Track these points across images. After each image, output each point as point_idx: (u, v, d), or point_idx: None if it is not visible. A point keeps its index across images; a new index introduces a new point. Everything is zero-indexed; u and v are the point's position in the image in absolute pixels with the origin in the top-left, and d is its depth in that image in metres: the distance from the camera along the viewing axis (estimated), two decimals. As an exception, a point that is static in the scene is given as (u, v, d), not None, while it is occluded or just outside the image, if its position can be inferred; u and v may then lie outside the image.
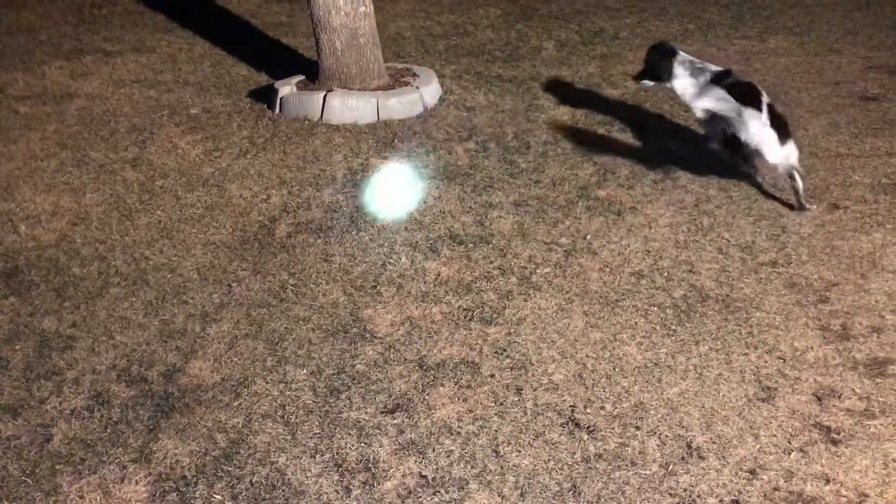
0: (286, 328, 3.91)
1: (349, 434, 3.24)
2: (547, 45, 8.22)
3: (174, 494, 2.98)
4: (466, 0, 10.21)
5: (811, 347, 3.63)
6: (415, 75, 6.70)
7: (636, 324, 3.85)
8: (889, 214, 4.64)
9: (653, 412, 3.30)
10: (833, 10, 8.95)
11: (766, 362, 3.55)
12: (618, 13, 9.26)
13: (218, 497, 2.97)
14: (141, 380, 3.58)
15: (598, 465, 3.06)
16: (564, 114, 6.37)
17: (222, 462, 3.12)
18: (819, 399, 3.33)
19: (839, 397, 3.34)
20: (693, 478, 2.99)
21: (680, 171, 5.23)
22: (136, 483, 3.03)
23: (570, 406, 3.35)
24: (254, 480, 3.03)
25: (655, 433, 3.20)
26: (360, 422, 3.31)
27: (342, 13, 6.25)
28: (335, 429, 3.27)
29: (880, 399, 3.31)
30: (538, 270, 4.30)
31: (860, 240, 4.42)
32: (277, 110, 6.42)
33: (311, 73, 6.66)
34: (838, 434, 3.15)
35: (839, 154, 5.47)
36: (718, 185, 5.10)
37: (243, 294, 4.19)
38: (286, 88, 6.46)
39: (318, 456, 3.14)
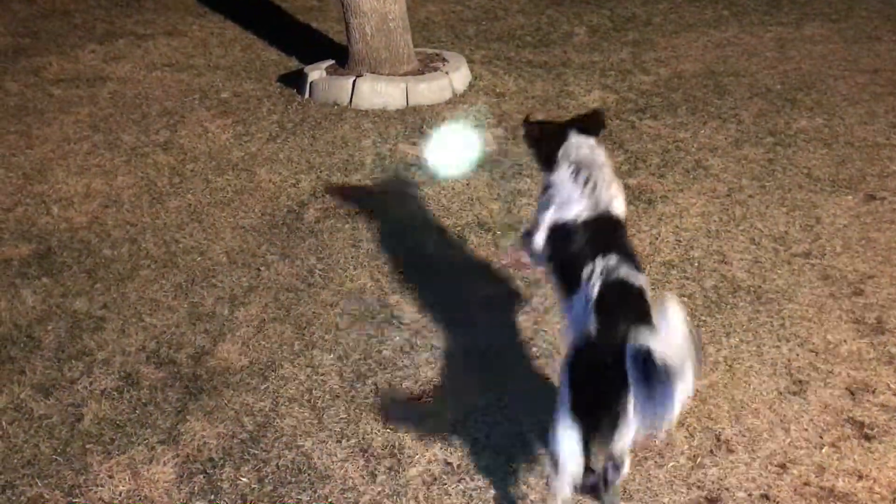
0: (314, 313, 3.91)
1: (375, 419, 3.25)
2: (578, 31, 8.14)
3: (201, 476, 3.01)
4: (497, -16, 10.14)
5: (844, 341, 3.57)
6: (444, 60, 6.67)
7: (666, 314, 3.80)
8: (927, 206, 4.55)
9: (681, 403, 3.26)
10: (873, -4, 8.76)
11: (798, 355, 3.50)
12: (651, -1, 9.13)
13: (244, 479, 2.99)
14: (170, 362, 3.60)
15: (625, 456, 3.03)
16: (595, 100, 6.30)
17: (249, 445, 3.14)
18: (852, 393, 3.27)
19: (873, 392, 3.28)
20: (722, 471, 2.96)
21: (713, 159, 5.16)
22: (164, 464, 3.05)
23: (598, 396, 3.32)
24: (280, 464, 3.05)
25: (684, 425, 3.16)
26: (387, 407, 3.31)
27: (372, -2, 6.23)
28: (361, 414, 3.28)
29: (916, 395, 3.25)
30: (567, 258, 4.26)
31: (897, 232, 4.34)
32: (307, 95, 6.42)
33: (341, 58, 6.64)
34: (872, 430, 3.10)
35: (877, 144, 5.35)
36: (752, 174, 5.02)
37: (272, 278, 4.20)
38: (316, 73, 6.46)
39: (343, 441, 3.15)
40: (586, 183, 2.75)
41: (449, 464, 3.03)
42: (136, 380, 3.49)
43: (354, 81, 6.23)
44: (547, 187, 2.86)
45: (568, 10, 8.86)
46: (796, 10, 8.45)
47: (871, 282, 3.95)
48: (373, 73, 6.35)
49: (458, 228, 4.58)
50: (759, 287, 3.96)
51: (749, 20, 8.19)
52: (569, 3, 9.12)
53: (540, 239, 2.82)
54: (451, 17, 8.80)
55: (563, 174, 2.80)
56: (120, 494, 2.95)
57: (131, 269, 4.31)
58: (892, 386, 3.30)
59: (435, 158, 4.70)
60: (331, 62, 6.64)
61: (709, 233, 4.43)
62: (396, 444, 3.12)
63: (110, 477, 3.01)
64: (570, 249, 2.68)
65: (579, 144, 2.84)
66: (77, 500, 2.93)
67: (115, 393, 3.42)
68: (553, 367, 3.37)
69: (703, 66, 6.92)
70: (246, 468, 3.04)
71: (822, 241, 4.30)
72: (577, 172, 2.77)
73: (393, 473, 3.00)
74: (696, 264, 4.17)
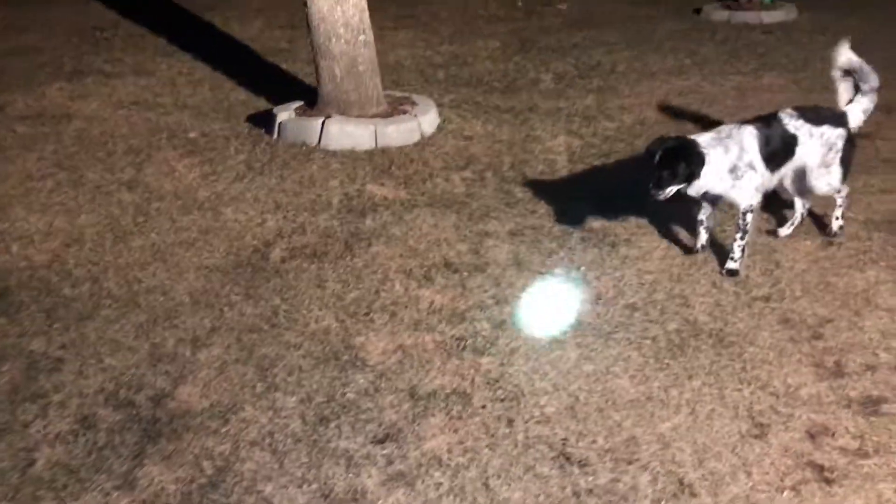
0: (277, 354, 3.88)
1: (337, 464, 3.20)
2: (544, 78, 8.28)
3: (158, 522, 2.94)
4: (466, 31, 10.31)
5: (804, 384, 3.61)
6: (413, 103, 6.74)
7: (629, 357, 3.83)
8: (883, 252, 4.64)
9: (645, 447, 3.27)
10: (828, 48, 9.01)
11: (759, 398, 3.53)
12: (614, 47, 9.34)
13: (203, 525, 2.92)
14: (128, 404, 3.54)
15: (588, 501, 3.02)
16: (561, 145, 6.40)
17: (208, 490, 3.07)
18: (812, 437, 3.31)
19: (832, 435, 3.31)
20: (685, 515, 2.96)
21: (675, 205, 5.23)
22: (120, 510, 2.98)
23: (562, 439, 3.32)
24: (239, 509, 2.99)
25: (647, 468, 3.16)
26: (348, 451, 3.27)
27: (342, 41, 6.29)
28: (323, 458, 3.23)
29: (874, 438, 3.29)
30: (533, 301, 4.28)
31: (854, 276, 4.42)
32: (276, 135, 6.44)
33: (310, 99, 6.69)
34: (832, 473, 3.12)
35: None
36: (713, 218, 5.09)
37: (235, 319, 4.16)
38: (284, 114, 6.48)
39: (305, 486, 3.10)
40: None
41: (412, 509, 2.99)
42: (92, 422, 3.42)
43: (323, 122, 6.26)
44: None
45: (535, 57, 9.02)
46: (755, 60, 8.68)
47: (829, 326, 4.02)
48: (342, 114, 6.39)
49: (425, 269, 4.59)
50: (721, 330, 4.01)
51: (710, 69, 8.40)
52: (536, 51, 9.29)
53: None
54: (420, 62, 8.91)
55: None
56: (73, 541, 2.87)
57: (92, 308, 4.25)
58: (850, 429, 3.34)
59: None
60: (300, 103, 6.68)
61: (671, 276, 4.48)
62: (359, 489, 3.08)
63: (63, 523, 2.93)
64: None
65: None
66: (27, 548, 2.84)
67: (69, 436, 3.34)
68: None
69: (666, 113, 7.06)
70: (204, 514, 2.97)
71: (782, 285, 4.37)
72: None
73: (355, 518, 2.96)
74: (660, 307, 4.21)
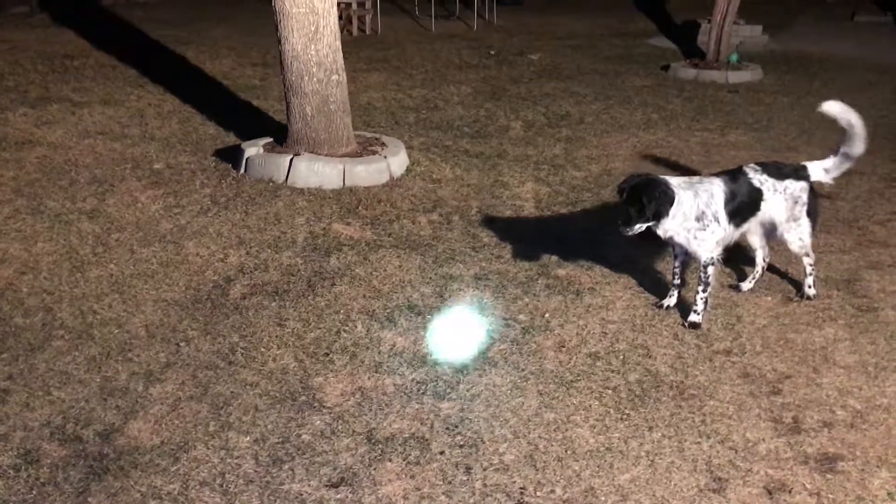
0: (232, 392, 3.79)
1: (290, 507, 3.12)
2: (514, 125, 8.38)
3: (99, 564, 2.82)
4: (438, 77, 10.44)
5: (763, 439, 3.61)
6: (383, 145, 6.75)
7: (590, 406, 3.80)
8: (841, 310, 4.70)
9: (603, 498, 3.23)
10: (792, 109, 9.29)
11: (718, 452, 3.52)
12: (584, 99, 9.50)
13: (145, 569, 2.81)
14: (75, 439, 3.42)
15: (545, 552, 2.97)
16: (528, 191, 6.44)
17: (153, 531, 2.97)
18: (770, 493, 3.29)
19: (790, 492, 3.30)
20: (641, 569, 2.91)
21: (640, 255, 5.28)
22: (59, 550, 2.86)
23: (520, 488, 3.27)
24: (185, 552, 2.89)
25: (605, 520, 3.12)
26: (301, 494, 3.18)
27: (315, 80, 6.31)
28: (275, 501, 3.14)
29: (830, 496, 3.28)
30: (495, 346, 4.26)
31: (813, 333, 4.46)
32: (242, 170, 6.39)
33: (280, 136, 6.67)
34: (788, 530, 3.10)
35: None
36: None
37: (191, 354, 4.07)
38: (253, 149, 6.45)
39: (255, 529, 3.00)
40: None
41: (364, 556, 2.91)
42: (35, 457, 3.29)
43: (292, 159, 6.24)
44: None
45: (505, 104, 9.14)
46: (721, 118, 8.88)
47: (788, 381, 4.04)
48: (311, 152, 6.37)
49: (388, 311, 4.54)
50: (682, 382, 4.01)
51: (677, 124, 8.56)
52: (507, 99, 9.41)
53: None
54: (392, 104, 8.97)
55: None
56: (6, 582, 2.74)
57: (43, 339, 4.13)
58: (807, 486, 3.33)
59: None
60: (269, 139, 6.66)
61: (634, 326, 4.49)
62: (310, 533, 2.99)
63: (-3, 563, 2.80)
64: None
65: None
66: (-43, 588, 2.71)
67: (10, 471, 3.21)
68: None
69: (632, 165, 7.16)
70: (147, 556, 2.86)
71: (743, 339, 4.40)
72: None
73: (305, 565, 2.86)
74: (622, 357, 4.20)
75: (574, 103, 9.20)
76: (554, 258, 5.23)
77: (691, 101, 9.49)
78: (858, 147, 4.65)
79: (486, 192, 6.42)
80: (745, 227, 4.62)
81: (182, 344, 4.16)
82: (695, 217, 4.36)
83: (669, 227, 4.37)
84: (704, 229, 4.38)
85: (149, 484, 3.19)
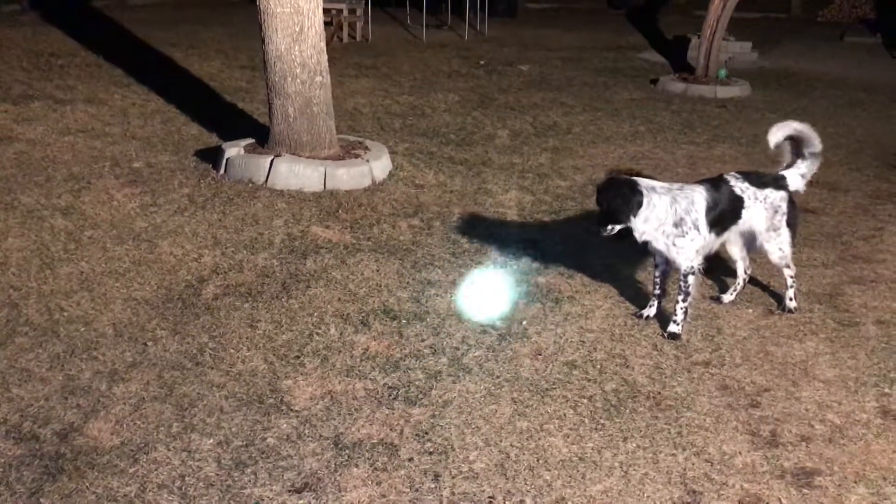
0: (198, 393, 3.69)
1: (250, 512, 3.02)
2: (501, 134, 8.32)
3: (47, 567, 2.72)
4: (426, 84, 10.39)
5: (739, 452, 3.53)
6: (366, 149, 6.68)
7: (564, 415, 3.72)
8: (822, 324, 4.64)
9: (574, 509, 3.15)
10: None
11: (693, 464, 3.44)
12: (572, 109, 9.46)
13: (96, 573, 2.71)
14: (32, 437, 3.31)
15: (511, 563, 2.88)
16: (512, 199, 6.37)
17: (106, 534, 2.86)
18: (745, 507, 3.22)
19: (765, 506, 3.22)
20: (610, 583, 2.82)
21: (621, 265, 5.21)
22: (6, 551, 2.75)
23: (489, 497, 3.18)
24: (138, 556, 2.78)
25: (575, 532, 3.03)
26: (263, 500, 3.08)
27: (298, 81, 6.23)
28: (236, 505, 3.05)
29: (806, 511, 3.21)
30: (470, 352, 4.17)
31: (793, 347, 4.40)
32: (222, 171, 6.31)
33: (263, 138, 6.59)
34: (762, 545, 3.02)
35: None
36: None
37: (158, 354, 3.97)
38: (233, 150, 6.37)
39: (212, 534, 2.90)
40: None
41: (324, 564, 2.81)
42: (-11, 455, 3.19)
43: (272, 161, 6.16)
44: None
45: (493, 113, 9.09)
46: (708, 132, 8.85)
47: (767, 394, 3.97)
48: (293, 154, 6.29)
49: (363, 315, 4.46)
50: (659, 393, 3.93)
51: (664, 137, 8.53)
52: (494, 108, 9.36)
53: None
54: (378, 110, 8.91)
55: None
56: (-51, 584, 2.63)
57: (7, 335, 4.03)
58: (783, 501, 3.26)
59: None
60: (250, 141, 6.58)
61: (612, 336, 4.41)
62: (269, 539, 2.90)
63: (-59, 564, 2.69)
64: None
65: None
66: None
67: (-38, 469, 3.11)
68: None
69: (611, 173, 7.10)
70: (98, 559, 2.76)
71: (723, 351, 4.33)
72: None
73: (262, 572, 2.76)
74: (599, 366, 4.12)
75: (562, 114, 9.16)
76: (535, 265, 5.16)
77: (679, 115, 9.46)
78: (816, 143, 4.68)
79: (469, 198, 6.35)
80: (726, 235, 4.57)
81: (149, 343, 4.06)
82: (672, 223, 4.30)
83: (645, 231, 4.31)
84: (683, 236, 4.32)
85: (105, 485, 3.08)
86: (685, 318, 4.42)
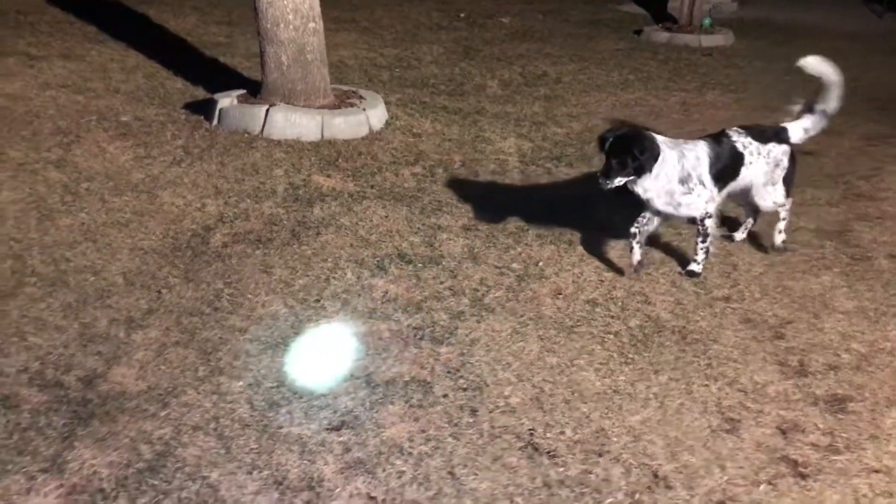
0: (220, 338, 3.60)
1: (290, 451, 2.95)
2: (491, 84, 8.20)
3: (89, 510, 2.63)
4: (408, 37, 10.19)
5: (771, 382, 3.54)
6: (361, 97, 6.54)
7: (593, 350, 3.69)
8: (836, 259, 4.66)
9: (615, 439, 3.13)
10: (765, 72, 9.26)
11: (727, 394, 3.43)
12: (559, 60, 9.35)
13: (139, 514, 2.63)
14: (56, 384, 3.20)
15: (560, 492, 2.85)
16: (511, 146, 6.29)
17: (147, 475, 2.78)
18: (784, 433, 3.22)
19: (803, 432, 3.23)
20: (660, 508, 2.82)
21: (631, 209, 5.16)
22: (46, 495, 2.66)
23: (529, 430, 3.15)
24: (182, 496, 2.71)
25: (619, 461, 3.02)
26: (302, 438, 3.02)
27: (291, 27, 6.06)
28: (275, 444, 2.97)
29: (843, 435, 3.22)
30: (490, 293, 4.12)
31: (809, 281, 4.41)
32: (216, 122, 6.13)
33: (251, 90, 6.41)
34: (805, 468, 3.03)
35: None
36: (667, 221, 5.04)
37: (173, 301, 3.86)
38: (226, 100, 6.19)
39: (255, 472, 2.83)
40: None
41: (373, 498, 2.76)
42: (14, 403, 3.08)
43: (268, 110, 6.00)
44: None
45: (480, 64, 8.95)
46: (697, 79, 8.81)
47: (790, 327, 3.97)
48: (287, 103, 6.13)
49: (378, 259, 4.38)
50: (684, 328, 3.92)
51: (654, 85, 8.48)
52: (480, 59, 9.22)
53: None
54: (364, 63, 8.73)
55: None
56: (-11, 530, 2.54)
57: (14, 286, 3.89)
58: (820, 426, 3.27)
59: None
60: (242, 91, 6.40)
61: (630, 274, 4.38)
62: (315, 476, 2.83)
63: (-22, 510, 2.60)
64: None
65: None
66: (-65, 537, 2.50)
67: (-12, 416, 2.99)
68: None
69: (613, 123, 7.04)
70: (143, 500, 2.67)
71: (741, 286, 4.32)
72: None
73: (310, 508, 2.71)
74: (620, 304, 4.10)
75: (550, 64, 9.06)
76: (544, 211, 5.10)
77: (666, 64, 9.41)
78: (834, 103, 4.58)
79: (469, 146, 6.26)
80: (727, 190, 4.49)
81: (163, 291, 3.94)
82: (679, 179, 4.16)
83: (649, 187, 4.14)
84: (690, 192, 4.20)
85: (138, 429, 2.99)
86: (706, 257, 4.39)
